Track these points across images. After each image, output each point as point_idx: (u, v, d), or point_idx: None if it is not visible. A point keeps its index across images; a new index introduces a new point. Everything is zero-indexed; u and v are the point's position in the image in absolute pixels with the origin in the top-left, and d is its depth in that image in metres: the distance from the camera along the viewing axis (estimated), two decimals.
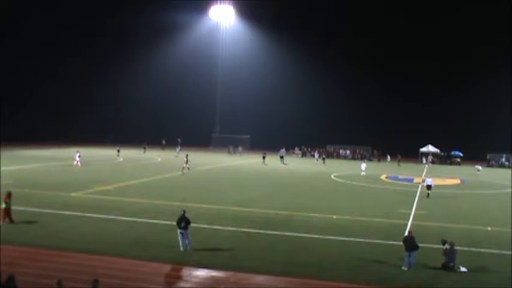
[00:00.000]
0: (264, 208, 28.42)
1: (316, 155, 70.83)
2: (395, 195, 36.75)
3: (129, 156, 60.70)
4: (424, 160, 66.53)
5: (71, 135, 78.02)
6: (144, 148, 70.50)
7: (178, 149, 68.13)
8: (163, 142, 77.91)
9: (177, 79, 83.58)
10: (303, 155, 76.30)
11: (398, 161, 65.80)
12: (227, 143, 79.52)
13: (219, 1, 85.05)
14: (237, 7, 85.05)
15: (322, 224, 24.87)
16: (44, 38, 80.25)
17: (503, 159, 69.81)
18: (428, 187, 35.91)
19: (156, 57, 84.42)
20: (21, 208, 25.61)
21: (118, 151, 60.29)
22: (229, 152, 73.34)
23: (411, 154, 69.00)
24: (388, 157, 69.94)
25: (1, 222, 21.98)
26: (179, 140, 72.35)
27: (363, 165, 51.86)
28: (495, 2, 70.65)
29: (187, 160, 45.67)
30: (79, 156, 47.90)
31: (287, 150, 69.88)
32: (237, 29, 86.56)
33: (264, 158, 59.33)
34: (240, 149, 75.52)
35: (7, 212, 22.34)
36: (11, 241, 19.14)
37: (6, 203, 22.33)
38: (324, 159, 66.95)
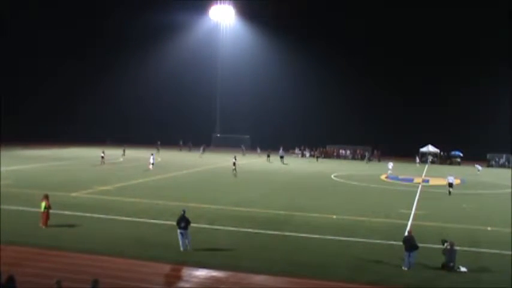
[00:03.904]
0: (264, 208, 28.42)
1: (307, 154, 70.80)
2: (395, 195, 36.74)
3: (131, 157, 60.54)
4: (417, 159, 66.46)
5: (71, 135, 78.09)
6: (158, 149, 69.84)
7: (201, 150, 68.60)
8: (181, 143, 77.91)
9: (177, 79, 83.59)
10: (303, 155, 76.36)
11: (368, 159, 68.99)
12: (227, 143, 79.40)
13: (219, 1, 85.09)
14: (237, 7, 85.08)
15: (322, 224, 24.87)
16: (43, 38, 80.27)
17: (503, 159, 69.76)
18: (450, 185, 36.19)
19: (155, 57, 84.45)
20: (21, 208, 25.68)
21: (124, 151, 60.50)
22: (242, 152, 72.16)
23: (411, 154, 69.00)
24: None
25: (43, 226, 21.68)
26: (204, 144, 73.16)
27: (390, 164, 52.25)
28: (495, 1, 70.62)
29: (235, 162, 46.42)
30: (153, 158, 47.07)
31: (287, 150, 69.95)
32: (237, 29, 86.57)
33: (268, 156, 62.89)
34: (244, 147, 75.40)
35: (48, 214, 22.02)
36: (11, 241, 19.14)
37: (46, 206, 21.88)
38: (317, 157, 67.65)
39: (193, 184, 38.84)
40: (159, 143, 74.38)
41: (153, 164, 46.45)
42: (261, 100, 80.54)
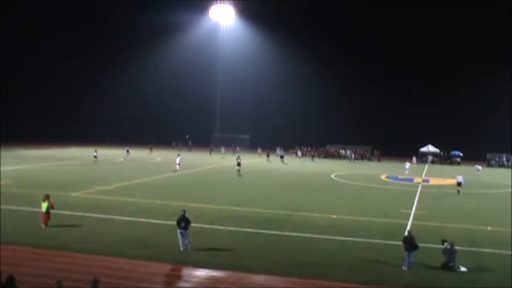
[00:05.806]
0: (264, 208, 28.40)
1: (299, 154, 70.56)
2: (395, 195, 36.72)
3: (131, 156, 60.50)
4: (414, 160, 66.07)
5: (71, 135, 78.10)
6: (151, 149, 69.97)
7: (223, 151, 68.78)
8: (190, 143, 77.87)
9: (177, 79, 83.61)
10: (303, 155, 76.34)
11: (353, 158, 70.87)
12: (227, 143, 79.47)
13: (219, 1, 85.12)
14: (237, 7, 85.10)
15: (322, 223, 24.85)
16: (43, 37, 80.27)
17: (503, 159, 69.76)
18: (459, 184, 36.46)
19: (155, 57, 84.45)
20: (22, 208, 25.69)
21: (127, 151, 60.59)
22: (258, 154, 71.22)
23: (411, 154, 69.06)
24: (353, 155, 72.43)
25: (43, 226, 21.61)
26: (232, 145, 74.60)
27: (407, 165, 52.37)
28: (495, 1, 70.63)
29: (238, 162, 46.61)
30: (180, 159, 47.03)
31: (287, 150, 69.97)
32: (237, 29, 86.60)
33: (268, 156, 63.68)
34: (222, 149, 72.85)
35: (49, 215, 21.95)
36: (11, 241, 19.15)
37: (48, 207, 21.81)
38: (312, 157, 67.96)
39: (193, 183, 38.81)
40: (174, 144, 74.75)
41: (179, 164, 46.56)
42: (261, 100, 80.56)
